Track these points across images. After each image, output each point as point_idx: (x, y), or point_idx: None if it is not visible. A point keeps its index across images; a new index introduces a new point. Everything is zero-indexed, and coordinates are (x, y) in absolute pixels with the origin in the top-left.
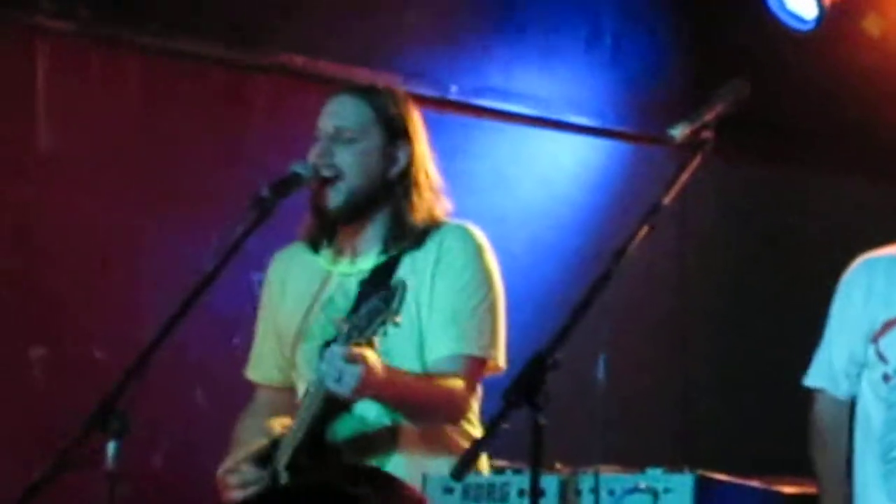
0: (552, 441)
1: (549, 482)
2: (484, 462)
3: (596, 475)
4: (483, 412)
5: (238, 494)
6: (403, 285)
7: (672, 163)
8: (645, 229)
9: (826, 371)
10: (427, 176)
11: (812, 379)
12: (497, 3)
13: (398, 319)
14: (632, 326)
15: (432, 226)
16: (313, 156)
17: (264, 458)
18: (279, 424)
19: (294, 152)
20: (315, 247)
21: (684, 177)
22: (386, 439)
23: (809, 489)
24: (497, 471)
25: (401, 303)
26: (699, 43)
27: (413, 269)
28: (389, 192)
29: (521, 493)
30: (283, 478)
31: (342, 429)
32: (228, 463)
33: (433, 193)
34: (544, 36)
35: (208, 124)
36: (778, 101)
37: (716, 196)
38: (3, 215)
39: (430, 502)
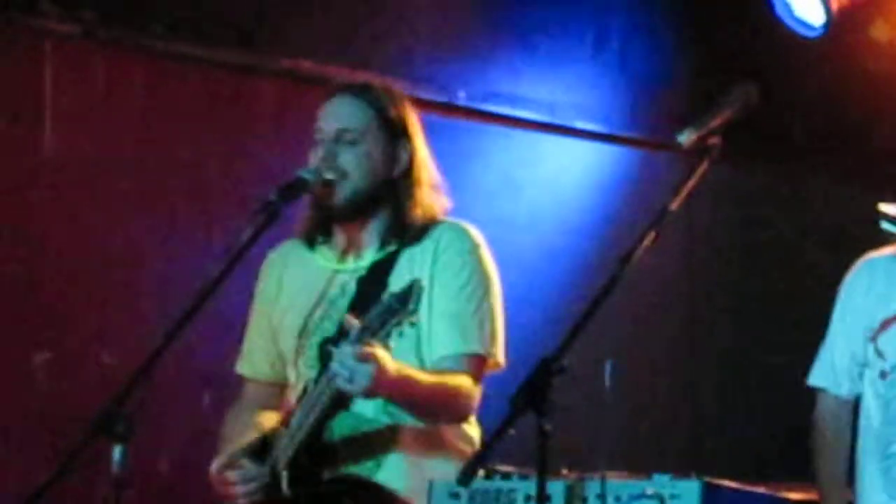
0: (559, 446)
1: (556, 488)
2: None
3: (602, 481)
4: (482, 413)
5: (240, 490)
6: (420, 285)
7: (679, 168)
8: (652, 235)
9: (828, 371)
10: (427, 173)
11: (814, 378)
12: (505, 9)
13: (414, 319)
14: (639, 332)
15: (430, 223)
16: (317, 159)
17: (257, 452)
18: (268, 419)
19: (300, 156)
20: (311, 245)
21: (692, 183)
22: (384, 439)
23: (817, 496)
24: (503, 476)
25: (418, 303)
26: (706, 49)
27: (410, 266)
28: (391, 191)
29: (527, 498)
30: (284, 477)
31: (339, 426)
32: (223, 458)
33: (433, 191)
34: (552, 42)
35: (214, 128)
36: (786, 107)
37: (723, 202)
38: (9, 218)
39: None
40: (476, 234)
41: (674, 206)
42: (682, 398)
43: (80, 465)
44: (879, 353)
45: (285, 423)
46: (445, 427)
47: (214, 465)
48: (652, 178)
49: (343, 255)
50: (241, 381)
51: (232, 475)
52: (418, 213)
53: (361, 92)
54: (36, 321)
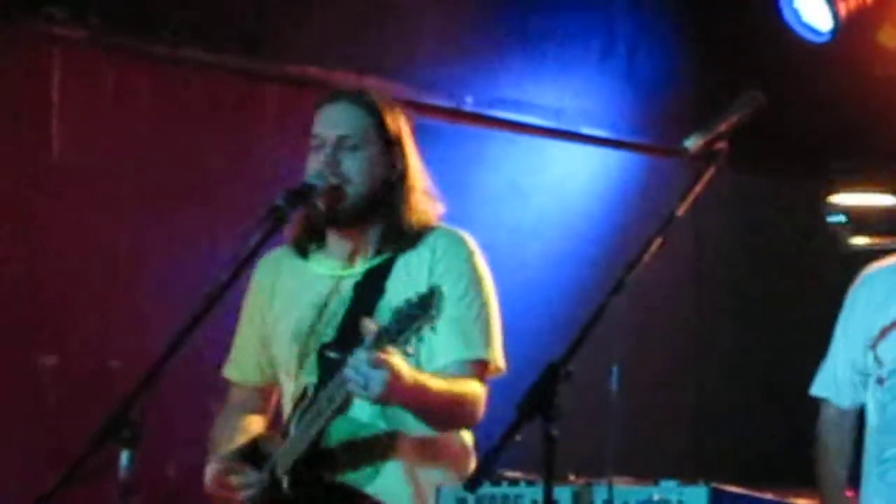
0: (565, 452)
1: (563, 494)
2: (470, 459)
3: (609, 487)
4: (488, 419)
5: (241, 495)
6: (440, 291)
7: (686, 174)
8: (658, 241)
9: (830, 382)
10: (420, 179)
11: (817, 389)
12: (512, 15)
13: (434, 326)
14: (645, 337)
15: (425, 229)
16: (319, 164)
17: (248, 456)
18: (256, 423)
19: (305, 161)
20: (303, 251)
21: (698, 188)
22: (382, 446)
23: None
24: (510, 482)
25: (439, 309)
26: (713, 54)
27: (407, 272)
28: (388, 197)
29: None
30: (285, 482)
31: (337, 431)
32: (219, 463)
33: (426, 196)
34: (559, 47)
35: (220, 134)
36: (793, 113)
37: (730, 207)
38: (15, 222)
39: None
40: (471, 240)
41: (680, 211)
42: (688, 403)
43: (87, 470)
44: (878, 360)
45: (283, 427)
46: (443, 435)
47: (210, 471)
48: (658, 184)
49: (339, 261)
50: (227, 384)
51: (234, 480)
52: (413, 219)
53: (358, 98)
54: (40, 325)
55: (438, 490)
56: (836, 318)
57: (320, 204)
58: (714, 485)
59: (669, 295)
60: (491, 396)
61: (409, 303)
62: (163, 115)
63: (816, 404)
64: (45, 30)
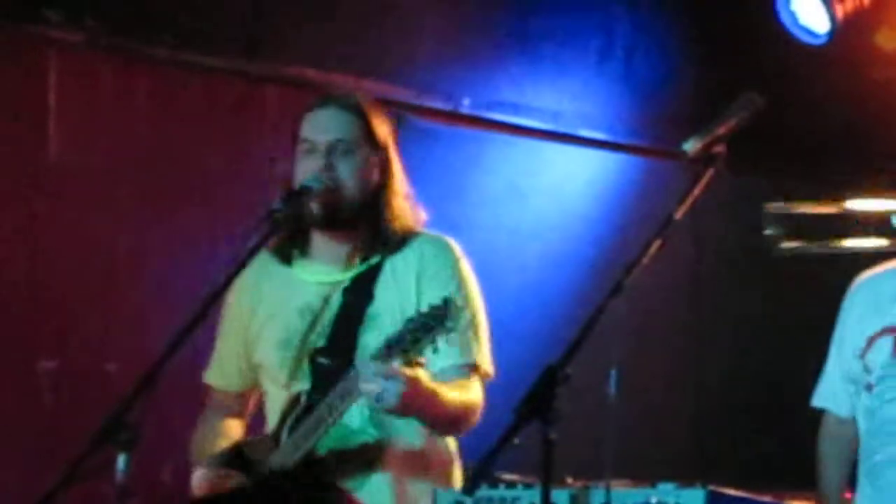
0: (563, 455)
1: (560, 497)
2: (458, 480)
3: (607, 490)
4: (486, 422)
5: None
6: (456, 302)
7: (684, 176)
8: (657, 243)
9: (828, 391)
10: (402, 184)
11: (817, 399)
12: (510, 18)
13: (449, 336)
14: (644, 340)
15: (409, 234)
16: (315, 168)
17: (232, 461)
18: (235, 427)
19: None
20: (285, 257)
21: (697, 191)
22: (370, 457)
23: None
24: (508, 485)
25: (455, 320)
26: (711, 57)
27: (395, 277)
28: (374, 202)
29: None
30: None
31: (326, 438)
32: (209, 469)
33: (409, 201)
34: (557, 50)
35: (218, 136)
36: (791, 115)
37: (728, 210)
38: (13, 225)
39: None
40: (457, 246)
41: (679, 214)
42: (687, 406)
43: (85, 473)
44: (866, 369)
45: (273, 433)
46: (431, 446)
47: (199, 477)
48: (657, 187)
49: (325, 266)
50: (207, 389)
51: (226, 486)
52: (398, 225)
53: (347, 103)
54: (39, 326)
55: (435, 493)
56: (835, 321)
57: (317, 207)
58: (712, 487)
59: (668, 297)
60: (489, 399)
61: (422, 313)
62: (161, 116)
63: (815, 408)
64: (42, 32)
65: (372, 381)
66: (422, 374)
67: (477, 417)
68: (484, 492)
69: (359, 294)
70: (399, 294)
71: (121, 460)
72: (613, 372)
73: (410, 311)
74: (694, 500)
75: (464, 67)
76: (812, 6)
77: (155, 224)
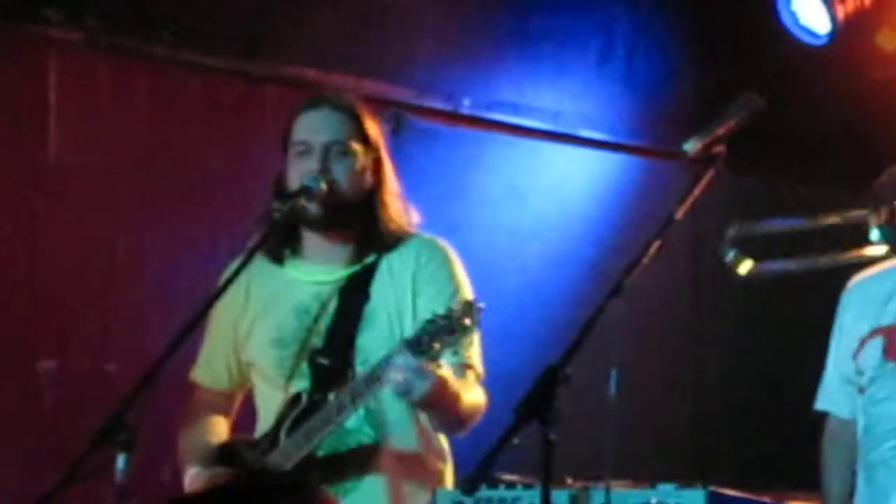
0: (563, 455)
1: (560, 497)
2: (449, 479)
3: (607, 490)
4: (486, 422)
5: None
6: (477, 306)
7: (684, 177)
8: (657, 244)
9: (828, 394)
10: (395, 184)
11: (819, 403)
12: (510, 17)
13: (475, 337)
14: (644, 340)
15: (403, 234)
16: (310, 169)
17: (223, 461)
18: (221, 425)
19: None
20: (276, 257)
21: (697, 191)
22: (364, 459)
23: None
24: (508, 485)
25: (477, 322)
26: (711, 57)
27: (391, 277)
28: (368, 202)
29: None
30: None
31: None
32: (206, 469)
33: (401, 202)
34: (557, 50)
35: (218, 136)
36: (791, 115)
37: (728, 210)
38: (13, 225)
39: None
40: (451, 248)
41: (679, 214)
42: (687, 407)
43: (84, 473)
44: (859, 371)
45: (270, 433)
46: (426, 449)
47: (196, 477)
48: (657, 187)
49: (318, 266)
50: (193, 387)
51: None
52: (391, 225)
53: (339, 104)
54: (39, 328)
55: (435, 492)
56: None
57: (317, 208)
58: (712, 488)
59: (668, 298)
60: (489, 399)
61: (443, 316)
62: (161, 116)
63: (818, 411)
64: (42, 32)
65: (404, 372)
66: (449, 376)
67: (479, 417)
68: (484, 492)
69: (355, 293)
70: (395, 293)
71: (120, 460)
72: (613, 372)
73: (406, 311)
74: (694, 500)
75: (464, 67)
76: (813, 6)
77: (155, 224)
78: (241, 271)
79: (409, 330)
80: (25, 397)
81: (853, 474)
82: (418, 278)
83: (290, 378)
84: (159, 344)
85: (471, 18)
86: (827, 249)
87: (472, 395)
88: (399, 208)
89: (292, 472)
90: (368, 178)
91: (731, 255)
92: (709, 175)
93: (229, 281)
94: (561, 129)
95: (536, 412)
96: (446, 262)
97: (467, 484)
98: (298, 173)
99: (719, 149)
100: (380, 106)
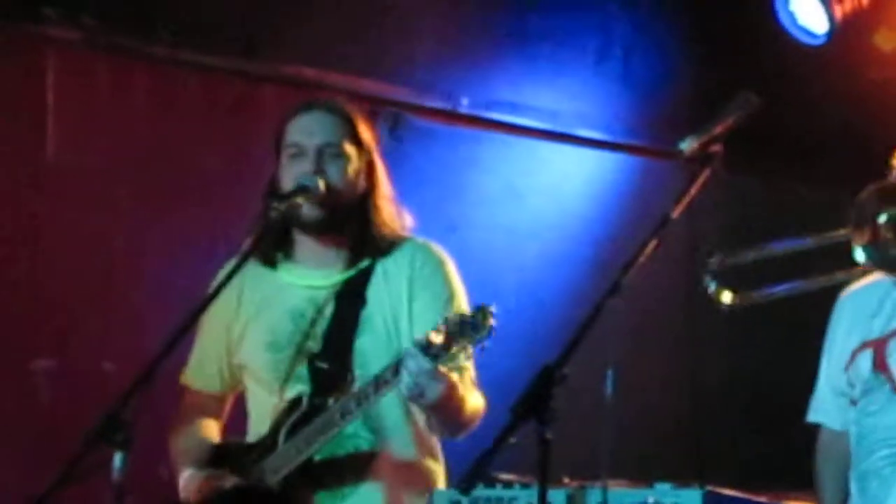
0: (560, 455)
1: (557, 496)
2: (441, 481)
3: (604, 490)
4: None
5: None
6: (490, 310)
7: (681, 176)
8: (654, 243)
9: (820, 406)
10: (388, 188)
11: (811, 415)
12: (508, 17)
13: (487, 344)
14: (640, 340)
15: (397, 238)
16: (305, 171)
17: (216, 463)
18: (212, 427)
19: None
20: (269, 260)
21: (693, 190)
22: (361, 465)
23: None
24: (505, 485)
25: (491, 327)
26: (709, 57)
27: (386, 281)
28: (361, 205)
29: None
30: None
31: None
32: (201, 471)
33: (394, 206)
34: (555, 49)
35: (216, 135)
36: (788, 115)
37: (725, 209)
38: (11, 223)
39: None
40: (445, 253)
41: (675, 214)
42: (684, 406)
43: (81, 472)
44: (850, 384)
45: (267, 436)
46: (423, 458)
47: (191, 480)
48: (654, 186)
49: (312, 270)
50: (184, 390)
51: (217, 485)
52: (385, 229)
53: (332, 107)
54: (36, 325)
55: (432, 493)
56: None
57: (313, 210)
58: (709, 487)
59: (665, 297)
60: (486, 398)
61: (460, 320)
62: (159, 115)
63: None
64: (40, 30)
65: (418, 375)
66: (460, 382)
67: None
68: (481, 491)
69: (352, 298)
70: (391, 298)
71: (117, 459)
72: (610, 372)
73: (402, 316)
74: (691, 500)
75: (462, 67)
76: (811, 6)
77: (153, 223)
78: (237, 272)
79: (405, 334)
80: (23, 396)
81: (847, 483)
82: (414, 283)
83: (285, 381)
84: (157, 343)
85: (469, 18)
86: (812, 271)
87: (474, 400)
88: (392, 212)
89: (284, 484)
90: (362, 182)
91: (712, 288)
92: (705, 174)
93: (225, 281)
94: (559, 128)
95: (533, 411)
96: (441, 267)
97: (464, 483)
98: (292, 176)
99: (716, 148)
100: (378, 105)
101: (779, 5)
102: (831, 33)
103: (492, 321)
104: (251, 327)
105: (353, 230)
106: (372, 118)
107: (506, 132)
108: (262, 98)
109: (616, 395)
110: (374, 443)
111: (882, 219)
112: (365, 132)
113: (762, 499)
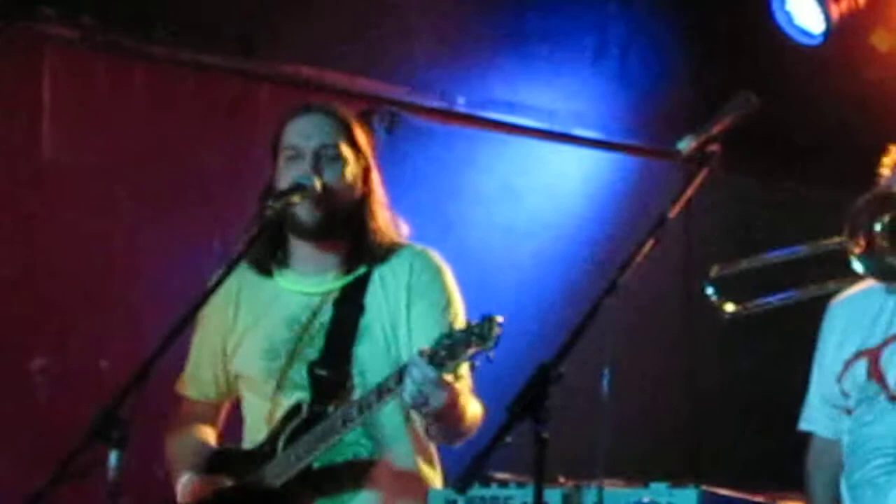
0: (556, 454)
1: (553, 496)
2: (437, 480)
3: (599, 489)
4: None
5: None
6: (497, 321)
7: (678, 176)
8: (650, 243)
9: (812, 414)
10: (383, 194)
11: (803, 423)
12: (505, 16)
13: (492, 355)
14: (636, 339)
15: (394, 245)
16: (302, 172)
17: (214, 469)
18: (209, 434)
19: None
20: (264, 268)
21: (690, 190)
22: (360, 473)
23: None
24: (500, 484)
25: (498, 337)
26: (706, 56)
27: (383, 288)
28: (357, 211)
29: None
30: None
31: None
32: (197, 475)
33: (389, 213)
34: (551, 49)
35: (213, 134)
36: (786, 115)
37: (721, 209)
38: (7, 223)
39: None
40: (442, 259)
41: (672, 213)
42: (680, 406)
43: (76, 470)
44: (844, 394)
45: (266, 443)
46: (420, 459)
47: (188, 485)
48: (651, 186)
49: (309, 277)
50: (180, 399)
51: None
52: (382, 235)
53: (329, 110)
54: (34, 326)
55: (428, 492)
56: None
57: (310, 213)
58: (704, 487)
59: (661, 297)
60: (482, 397)
61: (461, 330)
62: (157, 114)
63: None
64: (37, 29)
65: (423, 384)
66: (462, 390)
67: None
68: (476, 490)
69: (350, 305)
70: (388, 305)
71: (112, 458)
72: (606, 371)
73: (399, 323)
74: (686, 499)
75: (459, 66)
76: (807, 6)
77: (150, 222)
78: (230, 272)
79: (403, 342)
80: (21, 395)
81: (837, 491)
82: (412, 290)
83: (280, 388)
84: (154, 342)
85: (466, 18)
86: (805, 280)
87: (473, 407)
88: (388, 218)
89: (283, 491)
90: (359, 186)
91: (714, 298)
92: (703, 174)
93: (220, 281)
94: (555, 127)
95: (529, 410)
96: (439, 274)
97: (460, 482)
98: (290, 177)
99: (714, 148)
100: (374, 104)
101: (775, 5)
102: (828, 33)
103: (498, 331)
104: (248, 336)
105: (350, 236)
106: (369, 117)
107: (503, 131)
108: (260, 97)
109: (612, 394)
110: (374, 450)
111: (877, 227)
112: (362, 137)
113: (758, 499)
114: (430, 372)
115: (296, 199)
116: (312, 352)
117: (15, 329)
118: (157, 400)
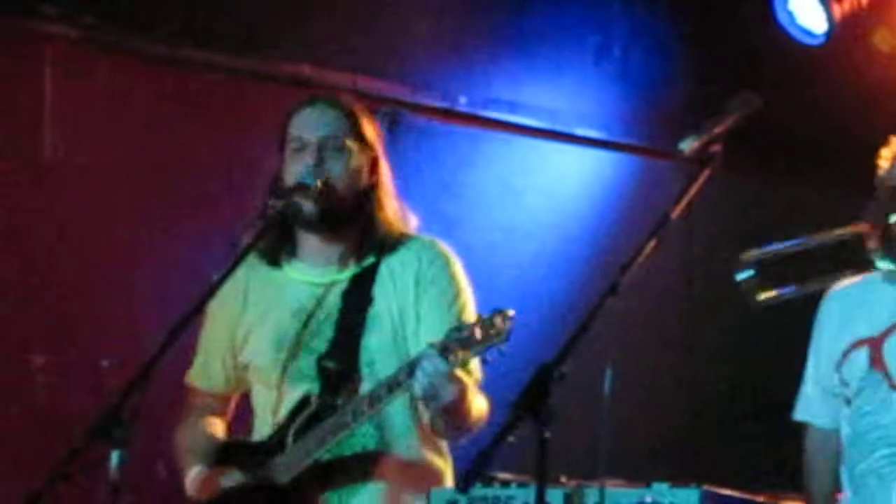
0: (558, 454)
1: (555, 496)
2: (449, 479)
3: (601, 489)
4: None
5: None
6: (510, 315)
7: (680, 176)
8: (653, 243)
9: (807, 405)
10: (391, 185)
11: (798, 413)
12: (506, 15)
13: (504, 348)
14: (638, 339)
15: (402, 236)
16: (305, 165)
17: (222, 461)
18: (218, 426)
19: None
20: (273, 259)
21: (693, 190)
22: (367, 465)
23: None
24: (502, 484)
25: (510, 332)
26: (708, 56)
27: (392, 279)
28: (365, 202)
29: None
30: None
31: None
32: (207, 467)
33: (398, 203)
34: (553, 48)
35: (214, 133)
36: (788, 116)
37: (723, 209)
38: (7, 223)
39: None
40: (451, 250)
41: (674, 214)
42: (681, 406)
43: (78, 470)
44: (843, 382)
45: (275, 434)
46: (427, 452)
47: (198, 476)
48: (652, 186)
49: (317, 268)
50: (189, 390)
51: (223, 483)
52: (390, 226)
53: (335, 101)
54: (34, 325)
55: (429, 492)
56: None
57: (312, 206)
58: (706, 487)
59: (663, 296)
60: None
61: (473, 324)
62: (157, 113)
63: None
64: (38, 28)
65: (433, 376)
66: (470, 385)
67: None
68: (478, 490)
69: (358, 296)
70: (397, 296)
71: (114, 457)
72: (608, 371)
73: (408, 314)
74: (688, 499)
75: (460, 65)
76: (810, 6)
77: (150, 220)
78: (236, 267)
79: (412, 333)
80: (19, 393)
81: (835, 481)
82: (420, 281)
83: (289, 379)
84: (154, 341)
85: (467, 16)
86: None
87: (479, 403)
88: (396, 209)
89: (293, 484)
90: (364, 177)
91: (750, 284)
92: (705, 174)
93: (226, 275)
94: (557, 127)
95: (531, 410)
96: (448, 265)
97: (462, 482)
98: (294, 170)
99: (715, 148)
100: (376, 103)
101: (778, 5)
102: (830, 33)
103: (510, 325)
104: (257, 327)
105: (357, 227)
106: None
107: (504, 131)
108: (260, 96)
109: (614, 394)
110: (382, 442)
111: (893, 219)
112: (369, 129)
113: (760, 498)
114: (442, 366)
115: (297, 198)
116: (321, 343)
117: (15, 328)
118: (160, 399)
